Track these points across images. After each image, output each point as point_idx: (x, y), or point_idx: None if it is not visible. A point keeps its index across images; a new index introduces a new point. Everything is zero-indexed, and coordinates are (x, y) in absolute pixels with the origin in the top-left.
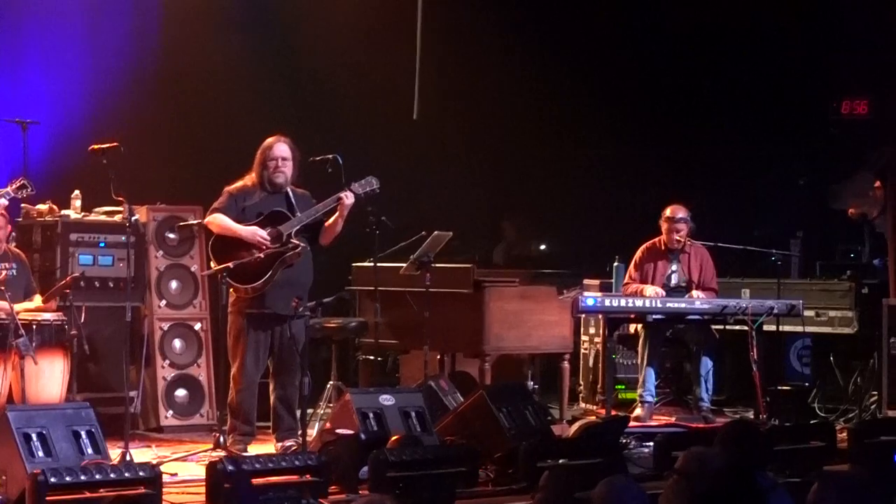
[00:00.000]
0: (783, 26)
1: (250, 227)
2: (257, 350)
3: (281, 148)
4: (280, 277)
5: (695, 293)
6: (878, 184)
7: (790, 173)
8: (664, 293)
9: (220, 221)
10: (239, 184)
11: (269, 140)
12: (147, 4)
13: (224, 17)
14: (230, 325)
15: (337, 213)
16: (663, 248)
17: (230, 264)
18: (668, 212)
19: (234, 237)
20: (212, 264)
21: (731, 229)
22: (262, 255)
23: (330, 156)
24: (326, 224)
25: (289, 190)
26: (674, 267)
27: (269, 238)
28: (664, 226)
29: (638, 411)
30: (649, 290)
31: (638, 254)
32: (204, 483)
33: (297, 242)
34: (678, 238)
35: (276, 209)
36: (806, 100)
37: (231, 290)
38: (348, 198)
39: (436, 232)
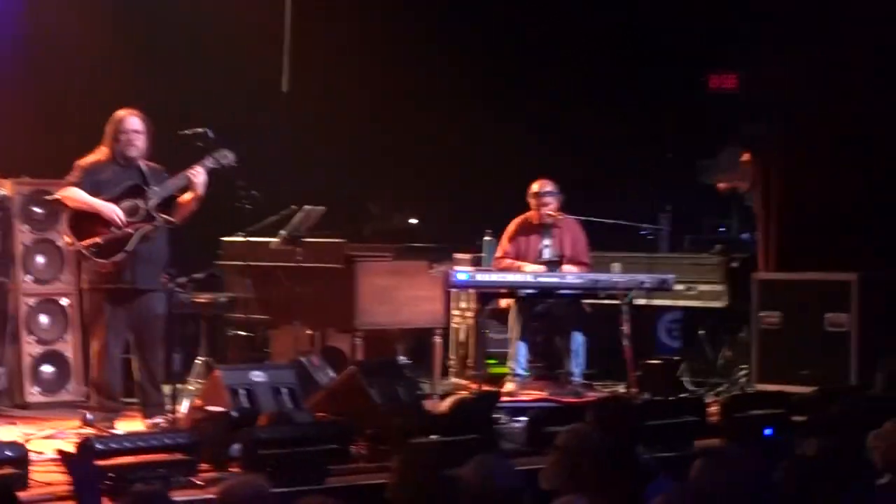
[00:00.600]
0: None
1: (108, 204)
2: (117, 325)
3: (132, 121)
4: (138, 252)
5: (565, 268)
6: (746, 157)
7: (658, 147)
8: (545, 271)
9: (76, 196)
10: (91, 158)
11: (120, 113)
12: None
13: None
14: (87, 303)
15: (192, 191)
16: (535, 222)
17: (99, 239)
18: (535, 187)
19: (91, 212)
20: (66, 239)
21: (599, 203)
22: (131, 229)
23: (200, 129)
24: (180, 201)
25: (141, 164)
26: (546, 241)
27: (123, 215)
28: (532, 201)
29: (509, 386)
30: (528, 267)
31: (511, 227)
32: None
33: (159, 216)
34: (548, 213)
35: (132, 183)
36: (674, 74)
37: (85, 266)
38: (198, 175)
39: (308, 207)
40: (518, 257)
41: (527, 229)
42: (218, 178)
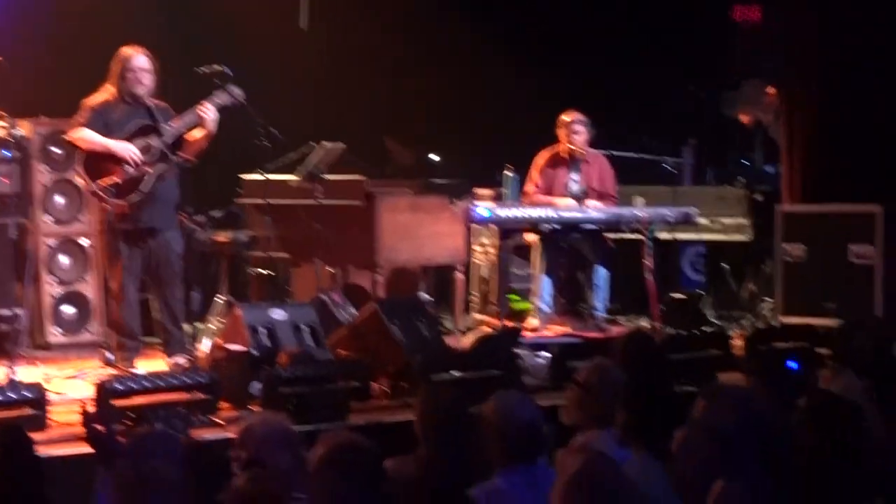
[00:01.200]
0: None
1: (122, 143)
2: (134, 266)
3: (140, 59)
4: (152, 191)
5: (589, 202)
6: (771, 90)
7: (681, 79)
8: (577, 205)
9: (88, 137)
10: (99, 98)
11: (126, 51)
12: None
13: None
14: (104, 244)
15: (204, 129)
16: (564, 155)
17: (117, 178)
18: (565, 117)
19: (104, 152)
20: (80, 180)
21: (622, 136)
22: (149, 168)
23: (217, 67)
24: (189, 138)
25: (148, 102)
26: (574, 175)
27: (141, 153)
28: (562, 131)
29: (532, 321)
30: (561, 201)
31: (540, 160)
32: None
33: (174, 154)
34: (578, 142)
35: (142, 122)
36: (698, 4)
37: (99, 207)
38: (208, 112)
39: (327, 143)
40: (546, 191)
41: (555, 162)
42: (236, 116)
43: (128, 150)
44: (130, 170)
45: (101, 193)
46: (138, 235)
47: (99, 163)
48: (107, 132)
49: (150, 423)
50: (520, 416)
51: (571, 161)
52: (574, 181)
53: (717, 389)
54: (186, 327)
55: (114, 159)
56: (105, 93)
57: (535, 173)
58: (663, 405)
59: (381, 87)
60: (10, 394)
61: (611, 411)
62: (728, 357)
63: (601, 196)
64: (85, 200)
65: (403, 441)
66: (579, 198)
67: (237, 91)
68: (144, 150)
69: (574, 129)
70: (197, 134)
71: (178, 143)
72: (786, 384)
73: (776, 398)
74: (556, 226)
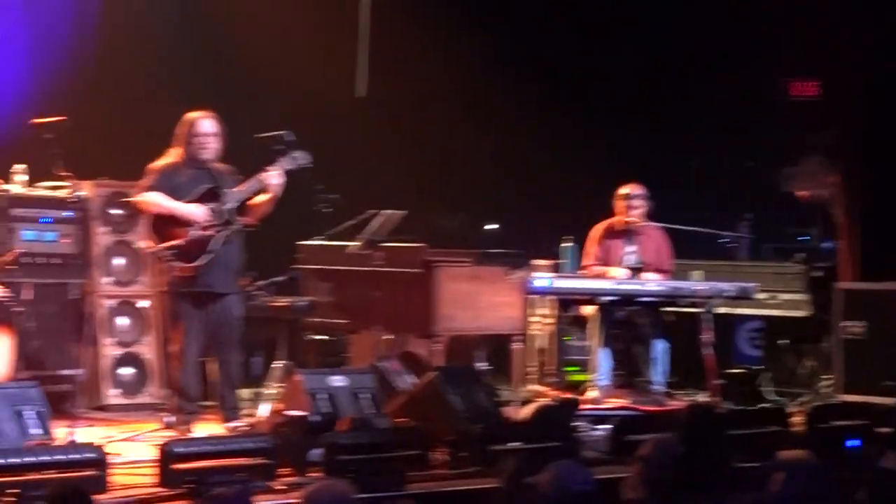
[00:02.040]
0: (731, 5)
1: (191, 205)
2: (195, 328)
3: (205, 124)
4: (216, 255)
5: (646, 275)
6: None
7: (739, 155)
8: (630, 273)
9: (156, 200)
10: (164, 161)
11: (192, 116)
12: None
13: None
14: (166, 306)
15: (270, 193)
16: (619, 228)
17: (182, 241)
18: (624, 190)
19: (170, 215)
20: (147, 243)
21: (680, 210)
22: (215, 232)
23: (279, 132)
24: (252, 203)
25: (211, 166)
26: (630, 248)
27: (211, 216)
28: (620, 203)
29: (591, 393)
30: (614, 271)
31: (597, 232)
32: (152, 464)
33: (239, 219)
34: (635, 216)
35: (207, 187)
36: (755, 81)
37: (164, 269)
38: (272, 177)
39: (387, 211)
40: (603, 263)
41: (611, 234)
42: (296, 182)
43: (196, 212)
44: (196, 233)
45: (167, 256)
46: (201, 299)
47: (165, 226)
48: (173, 195)
49: (221, 486)
50: (574, 486)
51: (627, 233)
52: (630, 253)
53: (786, 462)
54: (247, 392)
55: (179, 222)
56: (171, 156)
57: (592, 247)
58: (722, 479)
59: (437, 155)
60: (71, 455)
61: (672, 486)
62: (786, 434)
63: (657, 269)
64: (143, 262)
65: None
66: (635, 270)
67: (301, 155)
68: (210, 213)
69: (632, 203)
70: (261, 198)
71: (242, 207)
72: (846, 462)
73: (836, 475)
74: (615, 298)
